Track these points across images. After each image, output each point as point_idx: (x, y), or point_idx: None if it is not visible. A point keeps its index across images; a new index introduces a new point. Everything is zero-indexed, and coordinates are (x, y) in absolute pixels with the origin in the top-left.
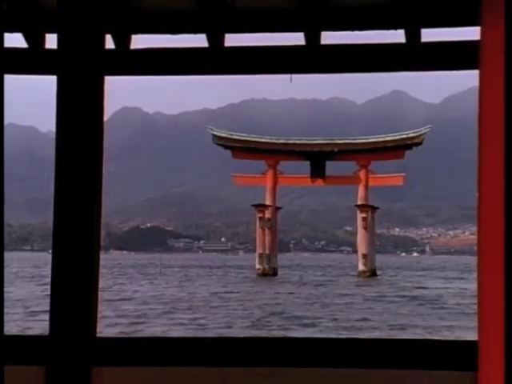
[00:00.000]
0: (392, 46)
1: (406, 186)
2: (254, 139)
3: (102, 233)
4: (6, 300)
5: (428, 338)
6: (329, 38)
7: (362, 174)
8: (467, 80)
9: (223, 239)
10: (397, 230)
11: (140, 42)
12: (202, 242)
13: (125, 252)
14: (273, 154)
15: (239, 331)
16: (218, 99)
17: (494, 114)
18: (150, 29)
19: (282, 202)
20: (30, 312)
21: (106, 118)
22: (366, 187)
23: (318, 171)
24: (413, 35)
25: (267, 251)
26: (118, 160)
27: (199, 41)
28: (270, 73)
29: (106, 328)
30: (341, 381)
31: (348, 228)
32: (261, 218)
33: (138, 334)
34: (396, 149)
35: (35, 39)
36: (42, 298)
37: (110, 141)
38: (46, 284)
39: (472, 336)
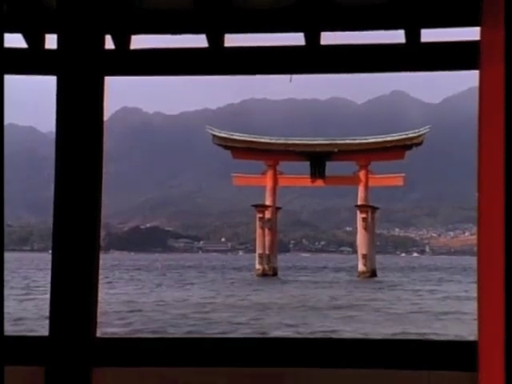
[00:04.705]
0: (392, 46)
1: (405, 187)
2: (253, 139)
3: (102, 233)
4: None
5: (428, 339)
6: (329, 38)
7: (361, 174)
8: (467, 80)
9: (223, 239)
10: (397, 230)
11: (140, 42)
12: (201, 242)
13: (125, 252)
14: (273, 154)
15: None
16: (218, 99)
17: (493, 114)
18: (150, 29)
19: (282, 202)
20: None
21: (105, 118)
22: (366, 187)
23: (317, 171)
24: (413, 35)
25: (267, 251)
26: (117, 160)
27: (199, 41)
28: (269, 73)
29: None
30: (341, 381)
31: (348, 228)
32: (261, 219)
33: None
34: (396, 149)
35: (35, 39)
36: None
37: (110, 141)
38: None
39: None
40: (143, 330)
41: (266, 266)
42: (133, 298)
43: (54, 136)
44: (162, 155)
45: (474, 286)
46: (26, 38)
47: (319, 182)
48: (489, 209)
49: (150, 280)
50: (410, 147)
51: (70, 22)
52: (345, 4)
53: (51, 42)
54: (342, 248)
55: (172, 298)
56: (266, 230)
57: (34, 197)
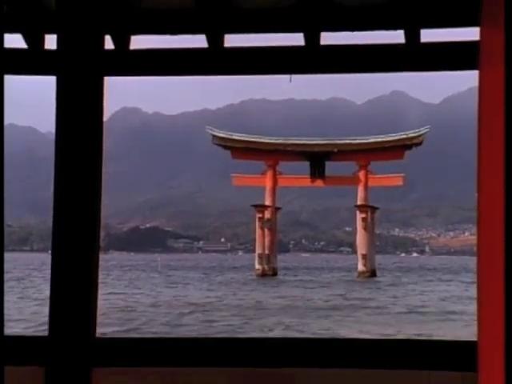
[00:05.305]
0: (392, 46)
1: (405, 187)
2: (253, 139)
3: (102, 233)
4: None
5: (428, 339)
6: (329, 38)
7: (361, 174)
8: (467, 80)
9: (223, 239)
10: (396, 230)
11: (140, 42)
12: (201, 242)
13: (124, 253)
14: (272, 154)
15: None
16: (218, 99)
17: (493, 114)
18: (150, 29)
19: (282, 202)
20: None
21: (105, 118)
22: (366, 187)
23: (317, 171)
24: (412, 35)
25: (267, 252)
26: (117, 160)
27: (199, 41)
28: (269, 73)
29: None
30: (341, 381)
31: (348, 228)
32: (260, 219)
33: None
34: (395, 149)
35: (35, 39)
36: None
37: (110, 141)
38: None
39: None
40: (141, 329)
41: (266, 266)
42: (132, 297)
43: (53, 136)
44: (162, 155)
45: (474, 286)
46: (26, 39)
47: (319, 182)
48: (488, 209)
49: (150, 280)
50: (409, 147)
51: (70, 22)
52: (345, 4)
53: (51, 42)
54: (342, 248)
55: (171, 297)
56: (266, 230)
57: (34, 197)
